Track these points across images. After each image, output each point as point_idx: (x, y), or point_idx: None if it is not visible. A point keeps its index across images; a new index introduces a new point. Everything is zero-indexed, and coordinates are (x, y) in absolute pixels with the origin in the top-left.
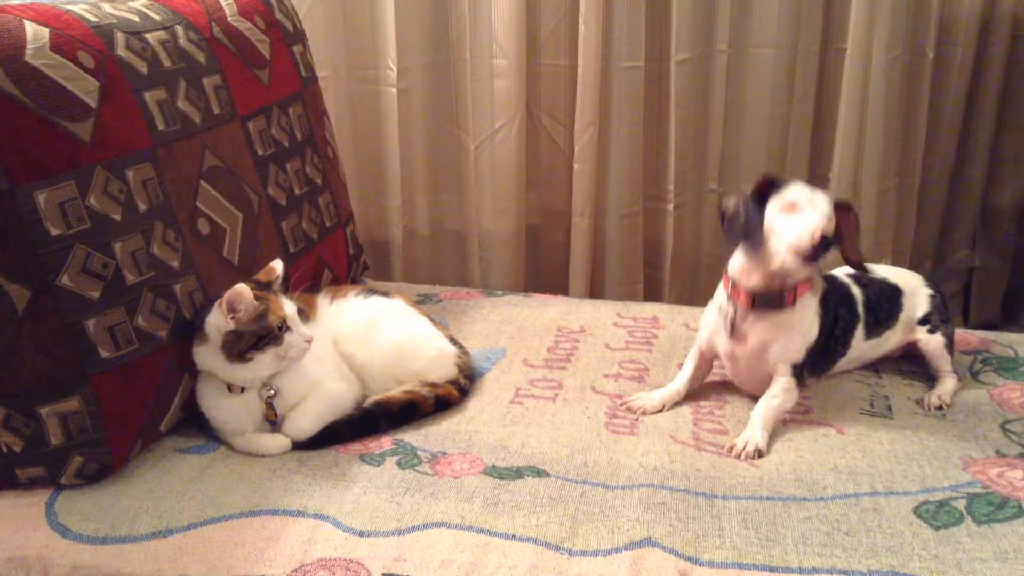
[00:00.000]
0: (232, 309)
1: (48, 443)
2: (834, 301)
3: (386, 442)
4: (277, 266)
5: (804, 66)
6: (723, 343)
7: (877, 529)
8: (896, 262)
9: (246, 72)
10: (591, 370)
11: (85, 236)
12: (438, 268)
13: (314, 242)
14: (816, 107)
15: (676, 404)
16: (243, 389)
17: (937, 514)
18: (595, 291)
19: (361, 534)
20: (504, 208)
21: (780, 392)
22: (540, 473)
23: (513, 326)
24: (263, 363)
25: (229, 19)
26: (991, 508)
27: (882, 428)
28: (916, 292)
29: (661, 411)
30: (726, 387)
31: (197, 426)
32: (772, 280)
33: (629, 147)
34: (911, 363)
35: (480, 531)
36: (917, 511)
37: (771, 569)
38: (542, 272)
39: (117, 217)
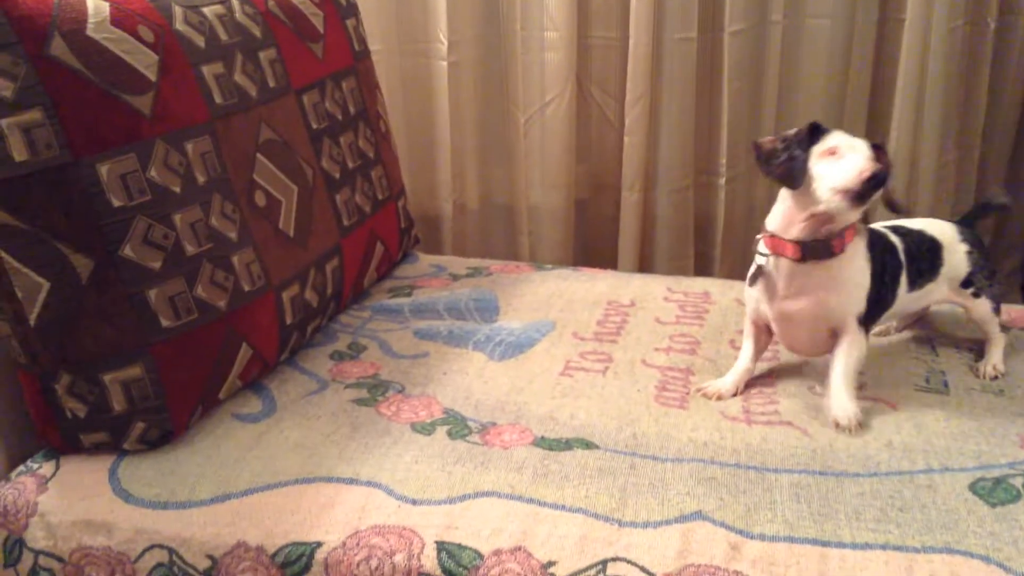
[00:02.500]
0: None
1: (111, 409)
2: (879, 248)
3: (437, 410)
4: None
5: (862, 37)
6: (774, 307)
7: (932, 505)
8: None
9: (300, 46)
10: (641, 344)
11: (146, 208)
12: (488, 242)
13: (367, 215)
14: (873, 79)
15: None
16: None
17: (994, 491)
18: (645, 266)
19: (414, 502)
20: (553, 182)
21: (850, 348)
22: (589, 445)
23: (563, 299)
24: None
25: None
26: None
27: (937, 405)
28: (954, 246)
29: (736, 395)
30: (773, 359)
31: (253, 391)
32: (818, 227)
33: (680, 120)
34: (968, 331)
35: (530, 501)
36: (973, 488)
37: (823, 543)
38: (591, 246)
39: (177, 189)
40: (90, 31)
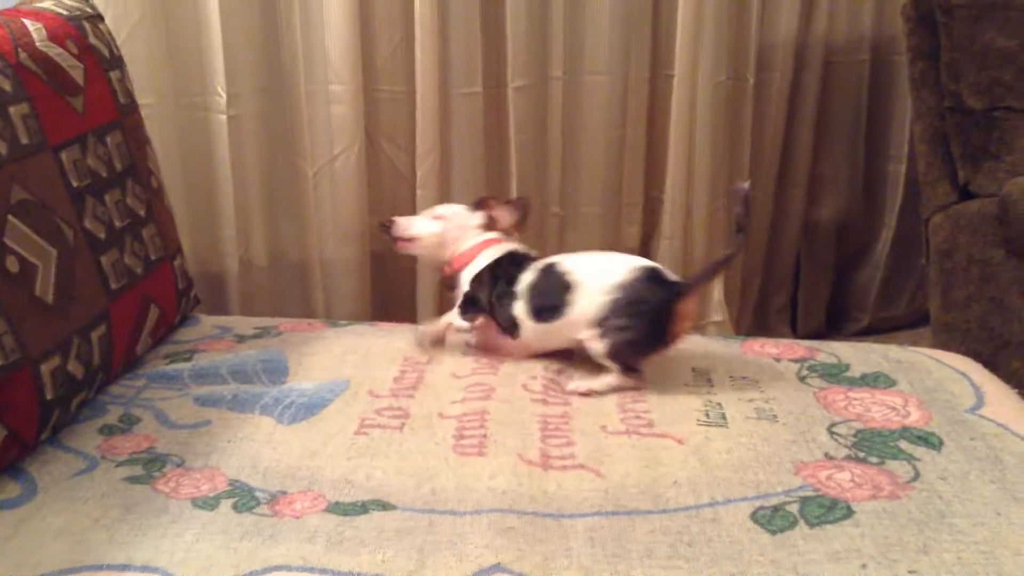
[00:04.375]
0: None
1: None
2: (499, 275)
3: (221, 483)
4: None
5: (636, 92)
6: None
7: (717, 538)
8: (727, 277)
9: (58, 100)
10: (439, 398)
11: None
12: (278, 300)
13: (138, 277)
14: (648, 131)
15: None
16: None
17: (773, 519)
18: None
19: None
20: (346, 235)
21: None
22: (386, 506)
23: (358, 356)
24: None
25: (38, 44)
26: (822, 510)
27: (719, 437)
28: (598, 292)
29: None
30: (568, 404)
31: (9, 475)
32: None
33: (472, 173)
34: (743, 369)
35: (323, 571)
36: (754, 517)
37: None
38: (390, 300)
39: None
40: None
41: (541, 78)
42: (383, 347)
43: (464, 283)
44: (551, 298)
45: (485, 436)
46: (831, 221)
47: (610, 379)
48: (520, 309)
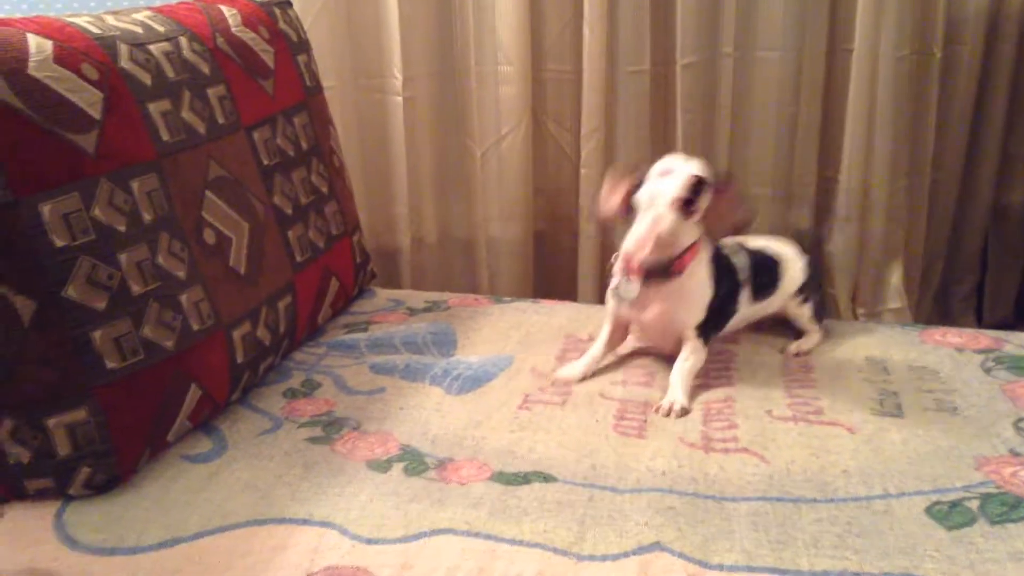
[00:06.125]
0: None
1: (56, 454)
2: (723, 266)
3: (393, 447)
4: None
5: (810, 68)
6: (632, 315)
7: (889, 531)
8: (907, 262)
9: (250, 82)
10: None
11: (90, 247)
12: (446, 275)
13: (320, 251)
14: (824, 109)
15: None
16: None
17: (950, 514)
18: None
19: (368, 541)
20: (511, 214)
21: (690, 354)
22: (547, 478)
23: (521, 332)
24: None
25: (233, 30)
26: (1005, 508)
27: (893, 427)
28: (792, 262)
29: (583, 380)
30: (732, 385)
31: (203, 432)
32: (662, 250)
33: (636, 152)
34: (922, 359)
35: (487, 537)
36: (930, 511)
37: (782, 572)
38: (551, 278)
39: (122, 228)
40: (31, 70)
41: (711, 55)
42: (545, 324)
43: (693, 290)
44: (767, 277)
45: (645, 421)
46: (1022, 203)
47: (816, 338)
48: (744, 295)
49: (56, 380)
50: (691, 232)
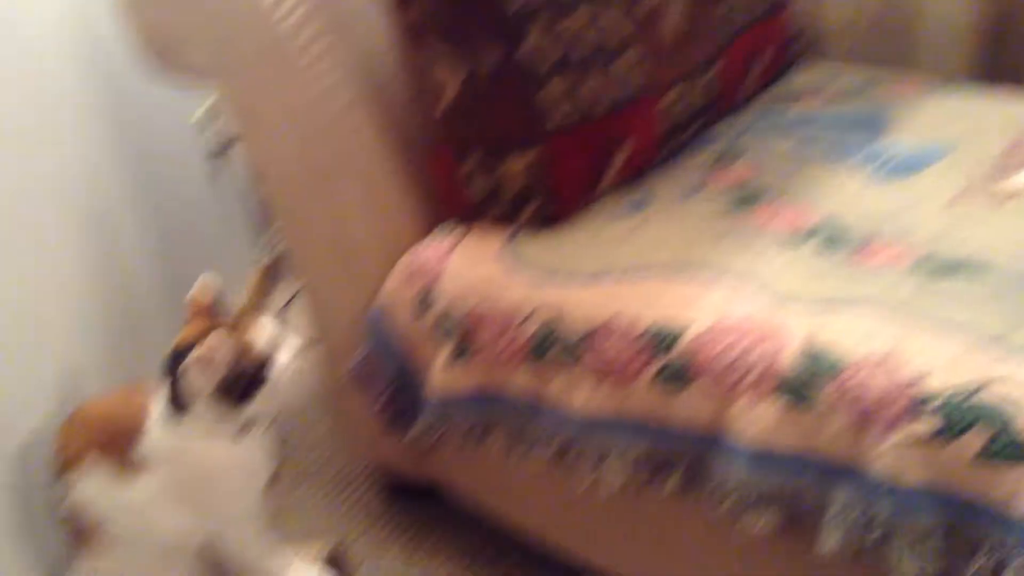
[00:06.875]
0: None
1: (510, 188)
2: None
3: (812, 221)
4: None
5: None
6: None
7: None
8: None
9: None
10: None
11: (544, 9)
12: (880, 57)
13: (752, 21)
14: None
15: None
16: None
17: None
18: None
19: (784, 299)
20: None
21: None
22: (979, 271)
23: (967, 122)
24: None
25: None
26: None
27: None
28: None
29: None
30: None
31: (632, 185)
32: None
33: None
34: None
35: (908, 313)
36: None
37: None
38: (1006, 63)
39: None
40: None
41: None
42: (996, 114)
43: None
44: None
45: None
46: None
47: None
48: None
49: (514, 126)
50: None
